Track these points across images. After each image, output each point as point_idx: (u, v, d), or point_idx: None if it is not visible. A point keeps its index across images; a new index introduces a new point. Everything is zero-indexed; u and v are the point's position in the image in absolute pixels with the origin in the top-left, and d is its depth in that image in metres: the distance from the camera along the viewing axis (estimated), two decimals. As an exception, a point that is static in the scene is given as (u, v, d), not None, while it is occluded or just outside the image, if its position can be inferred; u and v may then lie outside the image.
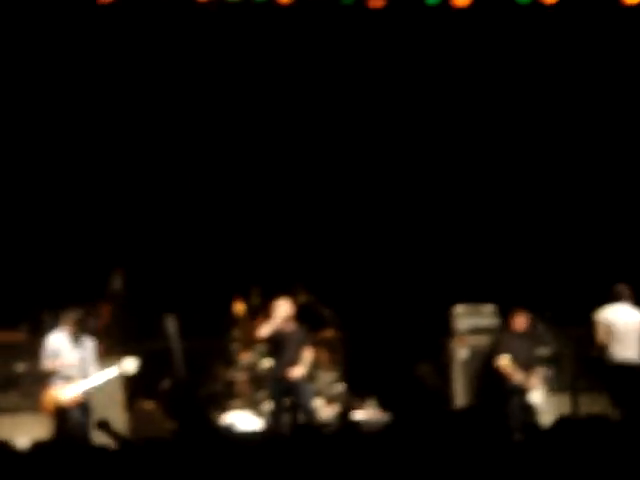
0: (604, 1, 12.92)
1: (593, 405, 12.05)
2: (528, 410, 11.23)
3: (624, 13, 12.97)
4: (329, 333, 12.79)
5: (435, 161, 14.31)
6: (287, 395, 11.25)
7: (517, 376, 11.37)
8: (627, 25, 13.32)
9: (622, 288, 11.46)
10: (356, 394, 12.65)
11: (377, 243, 14.22)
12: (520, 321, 11.70)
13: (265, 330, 11.24)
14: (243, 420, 11.78)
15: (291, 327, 11.32)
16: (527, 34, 13.66)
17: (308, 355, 11.40)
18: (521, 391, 11.37)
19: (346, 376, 12.73)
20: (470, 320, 12.12)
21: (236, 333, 12.59)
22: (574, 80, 13.91)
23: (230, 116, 13.88)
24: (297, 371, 11.16)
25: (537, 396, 11.40)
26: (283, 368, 11.16)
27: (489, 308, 12.72)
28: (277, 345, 11.29)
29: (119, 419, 10.80)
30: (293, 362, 11.18)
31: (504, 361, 11.37)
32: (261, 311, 12.19)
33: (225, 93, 13.86)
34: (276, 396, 11.26)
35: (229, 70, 13.80)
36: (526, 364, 11.54)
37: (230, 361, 12.59)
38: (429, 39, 13.74)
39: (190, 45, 13.56)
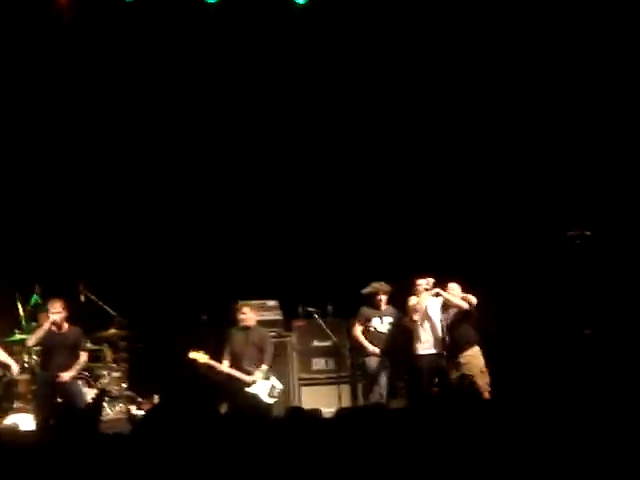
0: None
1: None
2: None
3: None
4: (113, 332, 12.72)
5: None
6: (57, 398, 11.10)
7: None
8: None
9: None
10: (139, 393, 12.65)
11: (158, 240, 14.21)
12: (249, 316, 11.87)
13: (33, 338, 11.10)
14: (25, 421, 11.56)
15: (63, 330, 11.17)
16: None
17: (82, 358, 11.34)
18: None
19: (130, 375, 12.74)
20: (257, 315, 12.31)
21: (17, 335, 12.34)
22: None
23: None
24: (67, 375, 11.03)
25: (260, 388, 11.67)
26: (54, 372, 11.00)
27: (272, 303, 13.09)
28: (48, 349, 11.14)
29: None
30: (64, 366, 11.06)
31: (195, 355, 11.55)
32: (41, 310, 11.99)
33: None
34: (45, 400, 11.05)
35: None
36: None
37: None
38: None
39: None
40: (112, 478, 4.83)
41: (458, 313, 11.60)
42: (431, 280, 11.80)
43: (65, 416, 5.67)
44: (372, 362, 11.84)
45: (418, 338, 11.86)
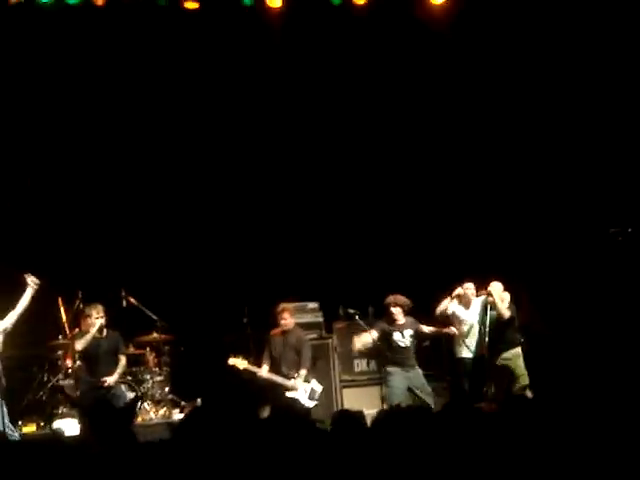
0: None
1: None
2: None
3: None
4: (155, 336, 12.79)
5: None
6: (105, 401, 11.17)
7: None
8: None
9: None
10: (182, 397, 12.70)
11: (198, 245, 14.25)
12: (289, 319, 11.87)
13: (81, 343, 11.17)
14: (70, 426, 11.65)
15: (104, 335, 11.26)
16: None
17: (123, 362, 11.42)
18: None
19: (172, 378, 12.80)
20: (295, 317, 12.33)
21: (60, 339, 12.44)
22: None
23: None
24: (111, 379, 11.16)
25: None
26: (98, 377, 11.10)
27: (313, 305, 13.11)
28: (91, 355, 11.22)
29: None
30: (107, 370, 11.16)
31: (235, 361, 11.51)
32: (82, 316, 12.08)
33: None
34: (90, 404, 11.11)
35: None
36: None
37: (55, 367, 12.45)
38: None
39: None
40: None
41: (500, 315, 11.51)
42: (471, 285, 11.77)
43: (100, 419, 5.71)
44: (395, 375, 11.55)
45: (458, 342, 11.82)
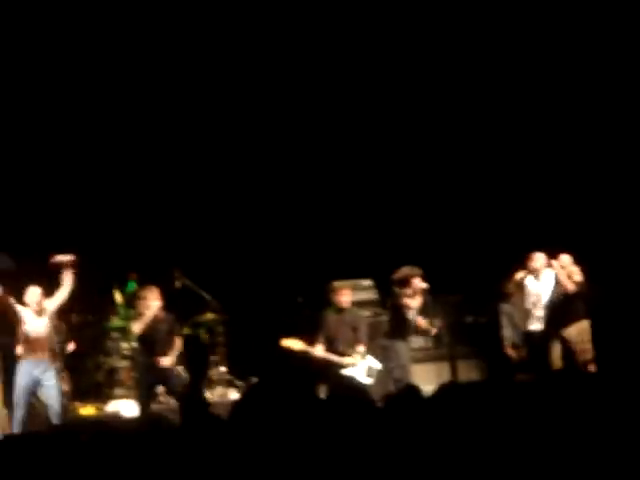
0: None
1: (470, 373, 12.47)
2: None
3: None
4: (209, 316, 12.79)
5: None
6: (159, 383, 11.21)
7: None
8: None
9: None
10: (238, 376, 12.70)
11: (251, 224, 14.23)
12: (344, 297, 11.71)
13: (137, 327, 11.15)
14: (126, 408, 11.72)
15: (161, 316, 11.21)
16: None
17: (178, 344, 11.35)
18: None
19: (228, 358, 12.81)
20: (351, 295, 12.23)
21: (115, 321, 12.49)
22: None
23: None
24: (167, 360, 11.04)
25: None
26: (153, 357, 11.03)
27: (367, 283, 13.02)
28: (147, 336, 11.14)
29: None
30: (163, 351, 11.08)
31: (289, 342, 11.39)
32: (137, 297, 12.11)
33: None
34: (146, 384, 11.15)
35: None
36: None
37: (111, 349, 12.51)
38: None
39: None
40: (213, 462, 4.80)
41: (564, 288, 11.35)
42: (541, 256, 11.61)
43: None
44: (402, 347, 11.54)
45: (527, 314, 11.70)
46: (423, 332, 11.87)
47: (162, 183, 14.06)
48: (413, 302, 11.46)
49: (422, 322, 11.56)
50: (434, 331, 11.81)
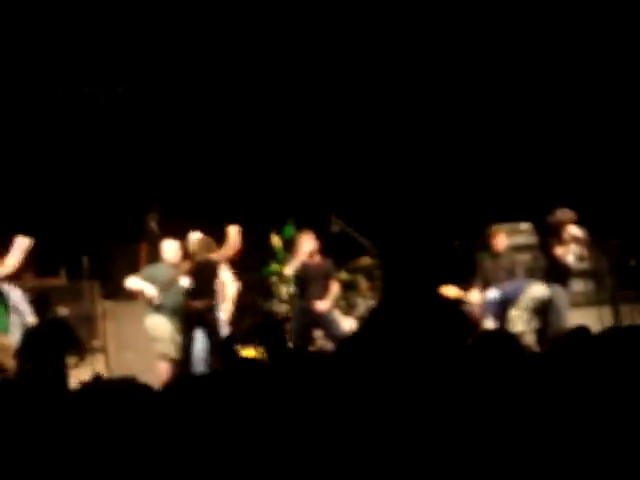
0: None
1: (634, 317, 12.14)
2: None
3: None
4: (366, 261, 12.81)
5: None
6: (315, 327, 11.30)
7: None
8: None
9: None
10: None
11: (408, 170, 14.16)
12: (501, 241, 11.56)
13: (290, 267, 11.24)
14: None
15: (316, 261, 11.28)
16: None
17: (335, 288, 11.38)
18: None
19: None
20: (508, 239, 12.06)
21: (274, 266, 12.64)
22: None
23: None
24: (322, 304, 11.10)
25: None
26: (309, 301, 11.11)
27: (526, 226, 12.79)
28: (303, 279, 11.27)
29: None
30: (319, 295, 11.13)
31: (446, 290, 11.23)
32: (294, 241, 12.23)
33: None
34: (302, 329, 11.25)
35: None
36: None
37: (270, 294, 12.68)
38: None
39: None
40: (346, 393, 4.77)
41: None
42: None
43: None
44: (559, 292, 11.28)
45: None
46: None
47: (322, 131, 14.12)
48: (567, 248, 11.20)
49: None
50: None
